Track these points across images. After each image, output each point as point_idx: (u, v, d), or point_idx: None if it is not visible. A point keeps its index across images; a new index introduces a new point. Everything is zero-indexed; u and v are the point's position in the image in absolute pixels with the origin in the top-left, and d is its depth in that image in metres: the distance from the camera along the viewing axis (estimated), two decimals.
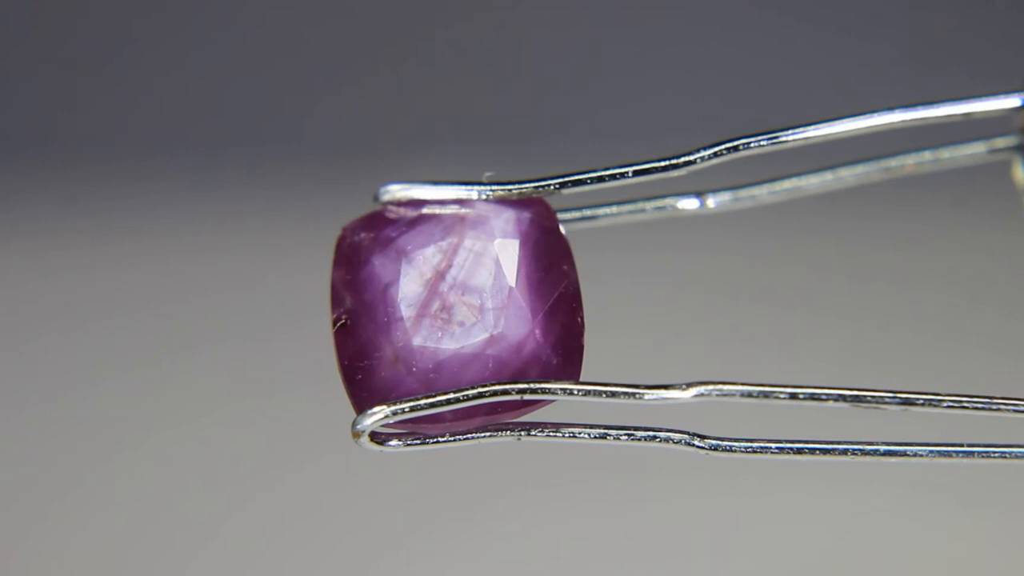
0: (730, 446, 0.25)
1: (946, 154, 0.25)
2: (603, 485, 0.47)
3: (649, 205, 0.25)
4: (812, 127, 0.24)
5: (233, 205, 0.75)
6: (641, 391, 0.24)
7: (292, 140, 0.82)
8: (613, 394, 0.24)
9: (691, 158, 0.24)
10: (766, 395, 0.24)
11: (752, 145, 0.24)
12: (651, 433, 0.24)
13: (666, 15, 0.87)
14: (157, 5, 0.90)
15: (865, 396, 0.24)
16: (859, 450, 0.25)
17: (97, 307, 0.63)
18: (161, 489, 0.48)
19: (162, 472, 0.49)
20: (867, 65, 0.81)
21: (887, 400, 0.24)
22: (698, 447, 0.25)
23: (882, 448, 0.25)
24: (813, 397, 0.24)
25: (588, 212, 0.25)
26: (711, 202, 0.26)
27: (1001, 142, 0.26)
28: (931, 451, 0.25)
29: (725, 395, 0.24)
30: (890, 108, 0.24)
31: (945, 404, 0.25)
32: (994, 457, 0.25)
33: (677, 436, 0.24)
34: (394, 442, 0.24)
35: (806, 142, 0.24)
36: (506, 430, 0.24)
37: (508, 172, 0.25)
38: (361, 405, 0.24)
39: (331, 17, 0.88)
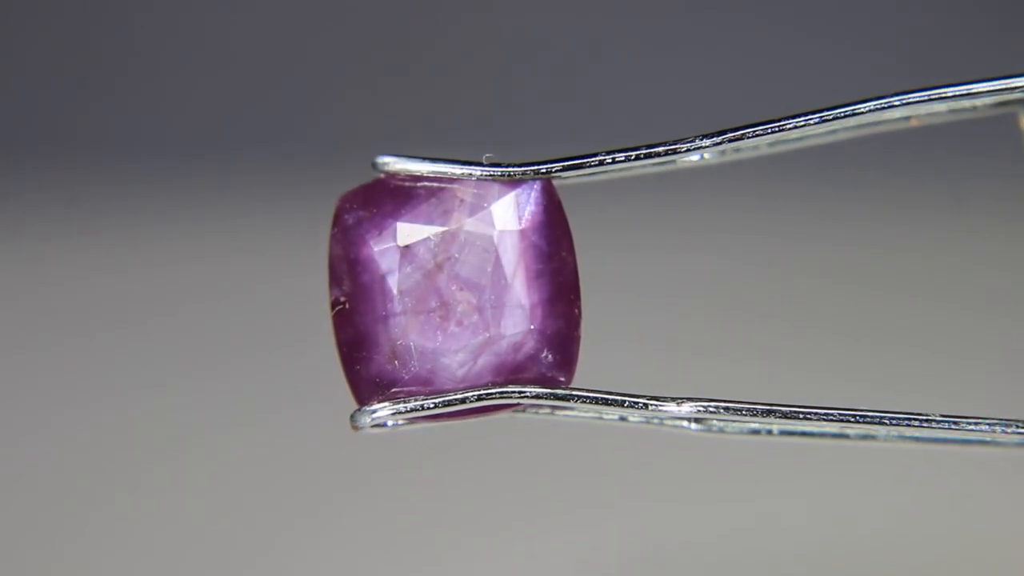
0: (721, 427, 0.25)
1: (951, 107, 0.25)
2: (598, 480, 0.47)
3: (658, 150, 0.24)
4: (817, 115, 0.24)
5: (231, 205, 0.75)
6: (638, 400, 0.24)
7: (293, 141, 0.82)
8: (609, 402, 0.24)
9: (694, 145, 0.24)
10: (765, 413, 0.24)
11: (756, 134, 0.24)
12: (645, 416, 0.24)
13: (667, 16, 0.87)
14: (157, 8, 0.90)
15: (862, 416, 0.24)
16: (845, 435, 0.25)
17: (97, 307, 0.63)
18: (161, 487, 0.48)
19: (161, 471, 0.49)
20: (864, 64, 0.81)
21: (883, 421, 0.24)
22: (691, 429, 0.24)
23: (867, 433, 0.25)
24: (810, 417, 0.24)
25: (588, 173, 0.25)
26: (709, 155, 0.25)
27: (1007, 96, 0.25)
28: (926, 438, 0.25)
29: (721, 413, 0.24)
30: (898, 93, 0.24)
31: (939, 425, 0.25)
32: (988, 444, 0.25)
33: (671, 419, 0.24)
34: (390, 423, 0.24)
35: (812, 131, 0.24)
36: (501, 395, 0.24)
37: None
38: (360, 395, 0.24)
39: (329, 19, 0.88)
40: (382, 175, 0.24)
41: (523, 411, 0.24)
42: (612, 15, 0.88)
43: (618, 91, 0.84)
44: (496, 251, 0.24)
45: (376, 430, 0.24)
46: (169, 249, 0.70)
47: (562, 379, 0.24)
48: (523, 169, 0.24)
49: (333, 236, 0.24)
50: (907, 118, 0.25)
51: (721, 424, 0.25)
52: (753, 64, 0.84)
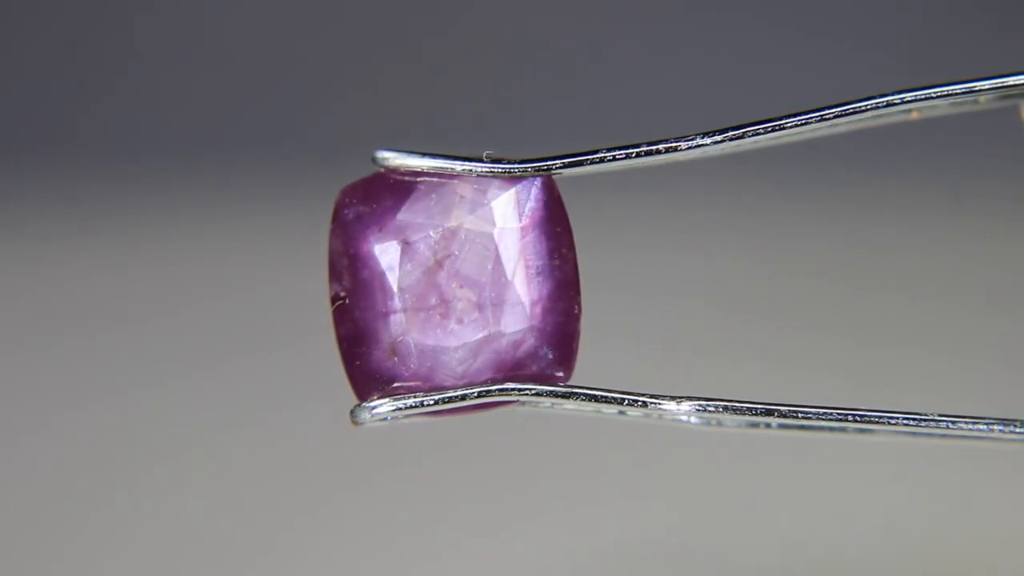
0: (720, 421, 0.25)
1: (953, 101, 0.25)
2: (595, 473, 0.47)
3: (658, 147, 0.24)
4: (817, 113, 0.24)
5: (231, 205, 0.75)
6: (638, 398, 0.24)
7: (293, 141, 0.82)
8: (608, 400, 0.24)
9: (695, 144, 0.24)
10: (765, 412, 0.24)
11: (757, 133, 0.24)
12: (644, 412, 0.24)
13: (667, 16, 0.87)
14: (157, 8, 0.90)
15: (861, 416, 0.24)
16: (842, 428, 0.25)
17: (96, 307, 0.63)
18: (161, 487, 0.48)
19: (161, 471, 0.49)
20: (864, 63, 0.81)
21: (883, 421, 0.24)
22: (690, 423, 0.24)
23: (873, 428, 0.25)
24: (809, 416, 0.24)
25: (589, 168, 0.25)
26: (720, 137, 0.25)
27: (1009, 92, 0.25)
28: (927, 433, 0.25)
29: (720, 413, 0.24)
30: (899, 91, 0.24)
31: (938, 425, 0.25)
32: (987, 439, 0.25)
33: (669, 413, 0.24)
34: (389, 418, 0.24)
35: (815, 127, 0.24)
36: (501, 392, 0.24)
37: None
38: (359, 390, 0.24)
39: (329, 19, 0.88)
40: (382, 170, 0.24)
41: (523, 405, 0.24)
42: (612, 15, 0.88)
43: (618, 91, 0.84)
44: (496, 248, 0.24)
45: (376, 423, 0.24)
46: (169, 249, 0.70)
47: (562, 375, 0.24)
48: (524, 166, 0.24)
49: (333, 231, 0.24)
50: (908, 111, 0.25)
51: (720, 419, 0.25)
52: (753, 63, 0.84)
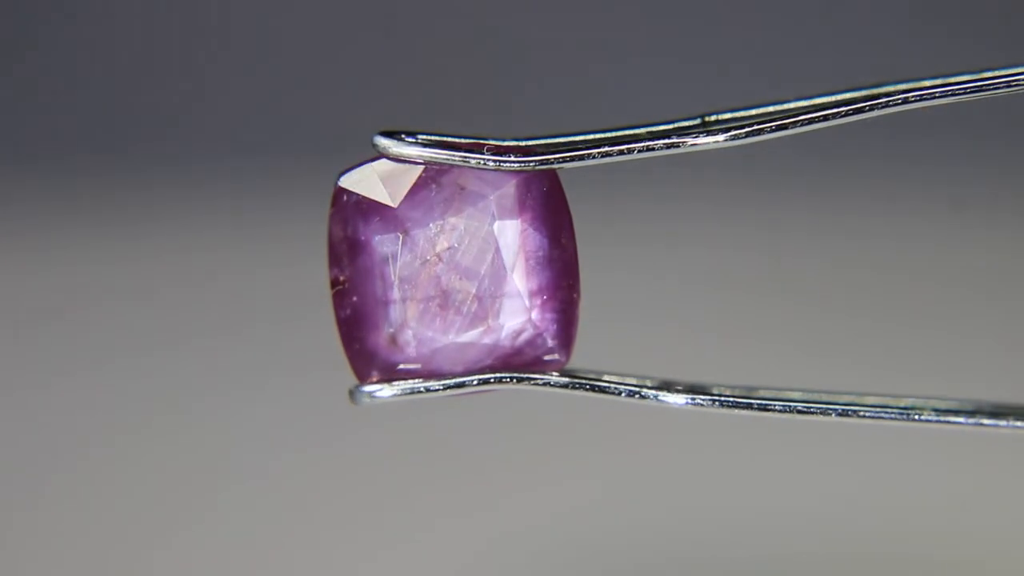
0: (701, 401, 0.25)
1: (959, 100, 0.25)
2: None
3: (659, 143, 0.24)
4: (821, 112, 0.24)
5: (231, 205, 0.75)
6: (635, 389, 0.24)
7: (292, 140, 0.82)
8: (606, 390, 0.24)
9: (698, 141, 0.24)
10: (764, 408, 0.24)
11: (762, 132, 0.24)
12: (641, 400, 0.24)
13: (668, 12, 0.87)
14: (156, 7, 0.90)
15: (856, 411, 0.24)
16: (839, 410, 0.25)
17: (96, 304, 0.63)
18: (158, 485, 0.48)
19: (159, 464, 0.49)
20: (865, 60, 0.81)
21: (882, 417, 0.25)
22: (676, 404, 0.24)
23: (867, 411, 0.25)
24: (811, 412, 0.24)
25: (591, 161, 0.25)
26: (722, 136, 0.25)
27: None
28: (929, 416, 0.25)
29: (716, 407, 0.24)
30: (903, 91, 0.24)
31: (943, 422, 0.25)
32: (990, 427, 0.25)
33: (658, 393, 0.24)
34: (388, 394, 0.24)
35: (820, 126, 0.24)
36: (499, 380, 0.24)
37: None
38: (358, 370, 0.24)
39: (329, 18, 0.88)
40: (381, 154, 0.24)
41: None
42: (612, 11, 0.88)
43: (618, 88, 0.84)
44: (496, 241, 0.24)
45: (374, 405, 0.24)
46: (169, 249, 0.70)
47: (560, 361, 0.24)
48: (526, 159, 0.24)
49: (332, 216, 0.24)
50: (917, 107, 0.25)
51: (716, 411, 0.25)
52: (754, 58, 0.85)
